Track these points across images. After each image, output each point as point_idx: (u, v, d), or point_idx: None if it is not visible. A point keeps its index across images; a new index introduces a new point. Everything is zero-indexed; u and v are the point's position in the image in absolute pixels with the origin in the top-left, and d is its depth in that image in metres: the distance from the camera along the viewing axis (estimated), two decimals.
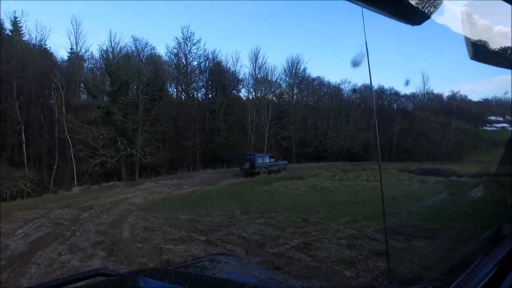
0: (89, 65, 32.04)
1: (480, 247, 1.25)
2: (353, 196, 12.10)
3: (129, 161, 28.89)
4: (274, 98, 41.57)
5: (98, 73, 30.24)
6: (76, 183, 27.12)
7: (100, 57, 28.45)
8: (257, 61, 39.96)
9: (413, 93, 54.89)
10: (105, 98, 29.00)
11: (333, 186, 14.53)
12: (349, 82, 47.74)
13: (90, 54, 31.25)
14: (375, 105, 51.80)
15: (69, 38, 32.08)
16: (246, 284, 1.28)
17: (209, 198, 11.91)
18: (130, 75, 29.32)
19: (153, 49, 32.61)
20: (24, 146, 26.49)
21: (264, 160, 23.05)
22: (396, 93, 53.69)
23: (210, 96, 38.17)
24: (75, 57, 31.53)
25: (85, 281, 1.28)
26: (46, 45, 32.03)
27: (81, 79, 28.81)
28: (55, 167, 27.50)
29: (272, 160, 23.97)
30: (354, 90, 47.33)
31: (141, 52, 30.77)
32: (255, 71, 40.25)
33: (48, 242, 7.66)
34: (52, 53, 32.57)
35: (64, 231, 8.62)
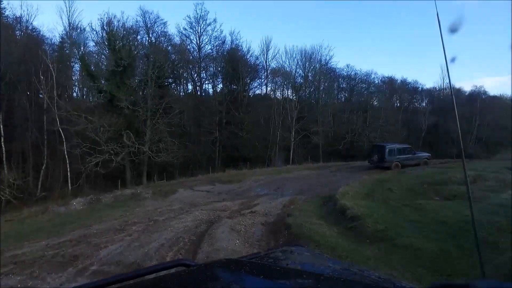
0: (87, 42, 26.06)
1: None
2: None
3: (137, 160, 23.26)
4: (294, 91, 36.14)
5: (97, 48, 24.40)
6: (70, 187, 21.50)
7: (101, 29, 22.62)
8: (269, 51, 35.57)
9: (434, 87, 51.64)
10: (103, 82, 23.17)
11: None
12: (375, 73, 43.29)
13: (89, 27, 25.55)
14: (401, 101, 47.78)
15: (61, 17, 26.48)
16: (321, 275, 1.18)
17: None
18: (137, 54, 23.80)
19: (165, 25, 27.07)
20: (2, 141, 20.70)
21: (396, 152, 18.53)
22: (416, 88, 50.32)
23: (228, 84, 32.69)
24: (70, 33, 25.79)
25: (167, 271, 1.31)
26: (32, 24, 26.42)
27: (78, 56, 23.03)
28: (43, 167, 21.76)
29: (409, 152, 19.21)
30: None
31: (150, 27, 25.22)
32: (266, 61, 35.42)
33: None
34: (39, 30, 26.93)
35: None
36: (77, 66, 27.48)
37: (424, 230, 5.85)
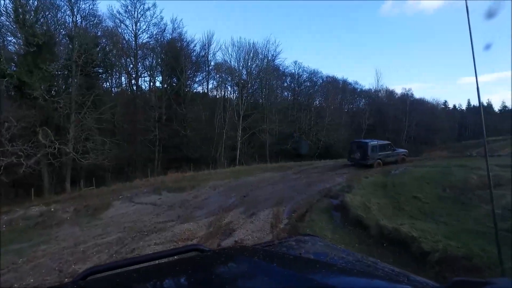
0: None
1: None
2: None
3: (57, 163, 18.95)
4: (239, 87, 34.19)
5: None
6: None
7: None
8: (211, 46, 33.21)
9: (370, 89, 54.95)
10: (13, 66, 18.38)
11: None
12: (320, 72, 43.67)
13: None
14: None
15: None
16: (334, 265, 1.18)
17: None
18: (57, 33, 19.45)
19: (94, 3, 22.83)
20: None
21: (379, 148, 17.73)
22: (356, 88, 52.75)
23: (168, 78, 29.32)
24: None
25: (181, 256, 1.32)
26: None
27: None
28: None
29: (390, 149, 18.50)
30: None
31: (75, 3, 20.89)
32: (207, 56, 32.96)
33: None
34: None
35: None
36: None
37: None
